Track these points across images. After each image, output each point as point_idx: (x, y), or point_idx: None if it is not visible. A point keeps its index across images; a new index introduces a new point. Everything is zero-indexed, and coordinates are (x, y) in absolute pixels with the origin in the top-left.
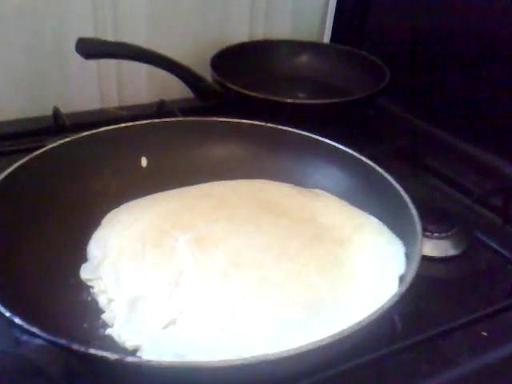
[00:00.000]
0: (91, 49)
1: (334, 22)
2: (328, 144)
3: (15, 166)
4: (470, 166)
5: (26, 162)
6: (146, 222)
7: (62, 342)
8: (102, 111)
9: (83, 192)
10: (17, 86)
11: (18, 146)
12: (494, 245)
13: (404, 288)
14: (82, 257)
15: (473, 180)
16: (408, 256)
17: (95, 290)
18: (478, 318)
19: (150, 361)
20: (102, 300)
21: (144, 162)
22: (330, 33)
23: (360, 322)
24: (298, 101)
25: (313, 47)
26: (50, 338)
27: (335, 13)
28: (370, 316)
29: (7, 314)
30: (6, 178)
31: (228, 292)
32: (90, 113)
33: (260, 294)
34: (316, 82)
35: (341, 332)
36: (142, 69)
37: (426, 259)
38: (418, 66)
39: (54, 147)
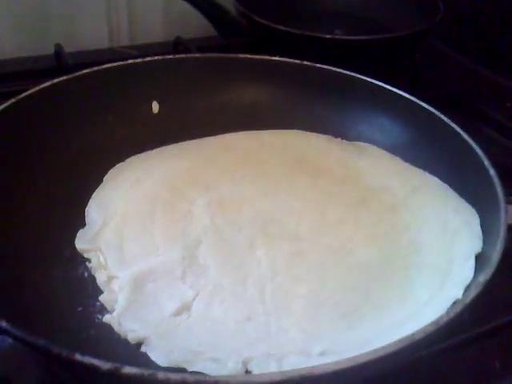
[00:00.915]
0: None
1: None
2: (376, 85)
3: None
4: None
5: (11, 105)
6: (157, 180)
7: (40, 342)
8: (110, 50)
9: (82, 142)
10: (15, 21)
11: (16, 87)
12: None
13: (489, 274)
14: (78, 221)
15: None
16: (485, 229)
17: (93, 265)
18: None
19: (153, 373)
20: (100, 277)
21: (155, 107)
22: None
23: (436, 322)
24: (337, 36)
25: None
26: (23, 336)
27: None
28: (443, 316)
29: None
30: None
31: (255, 270)
32: (97, 52)
33: (294, 274)
34: (355, 17)
35: (410, 336)
36: (157, 1)
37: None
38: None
39: (46, 86)
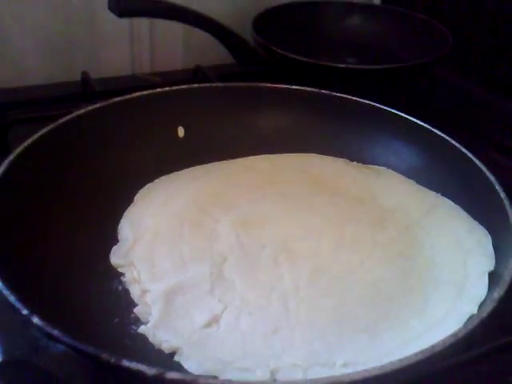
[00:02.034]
0: (125, 6)
1: None
2: (390, 113)
3: (38, 134)
4: None
5: (50, 131)
6: (184, 200)
7: (90, 350)
8: (133, 77)
9: (114, 165)
10: (43, 49)
11: (44, 112)
12: None
13: (503, 290)
14: (112, 238)
15: None
16: (496, 248)
17: (127, 279)
18: None
19: (196, 379)
20: (134, 291)
21: (181, 131)
22: None
23: (455, 334)
24: (349, 65)
25: (363, 8)
26: (75, 343)
27: None
28: (462, 329)
29: (24, 312)
30: (27, 147)
31: (279, 285)
32: (121, 79)
33: (316, 289)
34: (366, 47)
35: (431, 348)
36: (178, 31)
37: None
38: (481, 28)
39: (81, 114)
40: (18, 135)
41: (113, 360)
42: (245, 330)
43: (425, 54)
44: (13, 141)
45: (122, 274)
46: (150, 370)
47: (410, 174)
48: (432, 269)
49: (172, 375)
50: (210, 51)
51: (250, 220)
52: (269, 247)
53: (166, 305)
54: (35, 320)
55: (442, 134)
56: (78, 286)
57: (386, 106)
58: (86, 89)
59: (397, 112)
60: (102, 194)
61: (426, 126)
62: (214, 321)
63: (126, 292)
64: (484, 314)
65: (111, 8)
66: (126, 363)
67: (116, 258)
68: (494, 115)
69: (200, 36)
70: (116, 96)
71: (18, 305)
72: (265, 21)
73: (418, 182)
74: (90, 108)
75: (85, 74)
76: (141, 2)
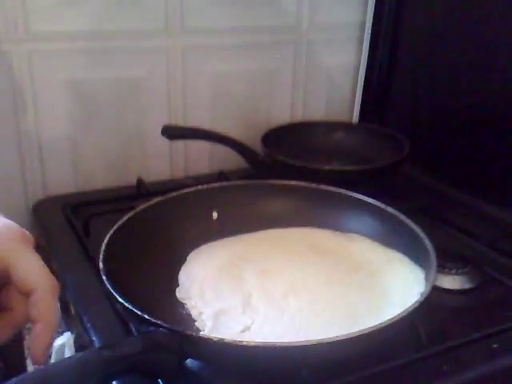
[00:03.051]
0: (173, 133)
1: (361, 105)
2: (361, 199)
3: (124, 218)
4: (482, 219)
5: (130, 217)
6: (220, 258)
7: (179, 329)
8: (171, 180)
9: (172, 238)
10: (106, 162)
11: (112, 207)
12: (504, 279)
13: (423, 298)
14: (175, 283)
15: (484, 230)
16: (426, 279)
17: (188, 306)
18: (490, 334)
19: (241, 341)
20: (194, 313)
21: (215, 215)
22: (359, 114)
23: (392, 319)
24: (334, 168)
25: (344, 126)
26: (171, 327)
27: (362, 97)
28: (397, 315)
29: (147, 317)
30: (117, 229)
31: (288, 308)
32: (162, 182)
33: (314, 309)
34: (348, 154)
35: (373, 327)
36: (205, 145)
37: (446, 291)
38: (435, 138)
39: (148, 206)
40: (96, 223)
41: (194, 334)
42: (266, 333)
43: (390, 158)
44: (92, 228)
45: (184, 304)
46: (215, 338)
47: (374, 238)
48: (388, 295)
49: (228, 340)
50: (230, 160)
51: (266, 270)
52: (280, 286)
53: (215, 321)
54: (147, 316)
55: (396, 212)
56: (158, 310)
57: (360, 194)
58: (140, 190)
59: (364, 197)
60: (167, 256)
61: (386, 207)
62: (247, 329)
63: (188, 314)
64: (409, 310)
65: (164, 133)
66: (202, 335)
67: (179, 294)
68: (446, 201)
69: (222, 149)
70: (163, 194)
71: (142, 314)
72: (270, 137)
73: (380, 243)
74: (154, 201)
75: (139, 179)
76: (183, 129)
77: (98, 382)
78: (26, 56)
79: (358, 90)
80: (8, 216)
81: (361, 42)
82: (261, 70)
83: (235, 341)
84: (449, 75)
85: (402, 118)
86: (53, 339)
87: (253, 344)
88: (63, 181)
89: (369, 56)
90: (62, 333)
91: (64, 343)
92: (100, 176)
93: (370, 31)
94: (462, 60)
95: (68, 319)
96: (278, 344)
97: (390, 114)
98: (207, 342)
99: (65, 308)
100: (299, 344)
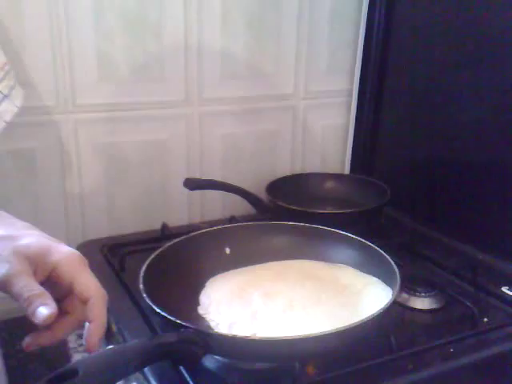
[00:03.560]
0: (193, 184)
1: (351, 159)
2: (346, 235)
3: (154, 254)
4: (449, 253)
5: (161, 252)
6: (232, 284)
7: (202, 328)
8: (188, 225)
9: (193, 269)
10: (135, 210)
11: (142, 248)
12: (465, 301)
13: (387, 305)
14: (197, 303)
15: (450, 262)
16: (392, 293)
17: (208, 319)
18: (449, 341)
19: (248, 336)
20: (212, 324)
21: (227, 250)
22: (349, 166)
23: (363, 319)
24: (326, 211)
25: (336, 177)
26: (197, 327)
27: (351, 152)
28: (368, 316)
29: (179, 322)
30: (151, 261)
31: (287, 320)
32: (181, 226)
33: (307, 320)
34: (339, 199)
35: (349, 325)
36: (218, 195)
37: (417, 311)
38: (412, 185)
39: (174, 242)
40: (128, 261)
41: (212, 332)
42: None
43: (374, 203)
44: (126, 264)
45: (205, 317)
46: (229, 334)
47: (357, 266)
48: (366, 309)
49: (240, 336)
50: (239, 206)
51: (269, 293)
52: (280, 305)
53: (229, 330)
54: (173, 318)
55: (374, 246)
56: (185, 320)
57: (345, 232)
58: (164, 232)
59: (348, 234)
60: (190, 282)
61: (363, 241)
62: (253, 335)
63: (208, 325)
64: (377, 313)
65: (185, 185)
66: (220, 332)
67: (201, 311)
68: (421, 239)
69: (233, 197)
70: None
71: (171, 319)
72: (273, 186)
73: (360, 270)
74: (178, 239)
75: (164, 223)
76: (200, 181)
77: (142, 362)
78: (72, 125)
79: (348, 146)
80: None
81: (349, 106)
82: (265, 131)
83: (244, 336)
84: (425, 132)
85: (386, 168)
86: (103, 334)
87: (258, 338)
88: (99, 227)
89: (356, 117)
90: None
91: None
92: (129, 222)
93: (356, 96)
94: (436, 117)
95: (110, 336)
96: (277, 338)
97: (376, 165)
98: (224, 337)
99: (108, 327)
100: (292, 337)
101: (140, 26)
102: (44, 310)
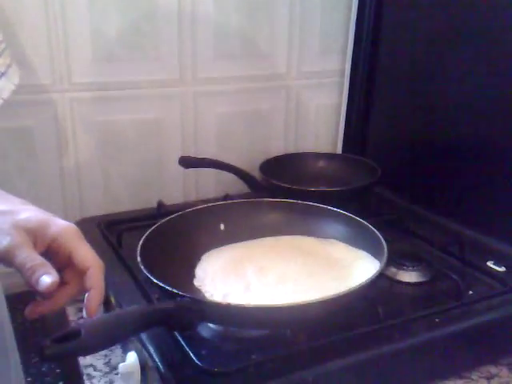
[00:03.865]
0: (188, 162)
1: (343, 138)
2: (336, 211)
3: (151, 229)
4: (437, 229)
5: (158, 227)
6: (227, 258)
7: (198, 297)
8: (185, 203)
9: (189, 243)
10: (131, 188)
11: (138, 224)
12: (452, 274)
13: (374, 276)
14: (193, 275)
15: (438, 237)
16: (380, 266)
17: (203, 291)
18: (434, 312)
19: (241, 304)
20: (207, 295)
21: (222, 226)
22: (341, 146)
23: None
24: (318, 189)
25: (328, 156)
26: (193, 296)
27: (344, 131)
28: (356, 285)
29: (176, 291)
30: (148, 235)
31: (278, 291)
32: (177, 205)
33: (297, 291)
34: (331, 178)
35: (337, 293)
36: (212, 173)
37: (404, 284)
38: (402, 164)
39: (170, 218)
40: (126, 237)
41: (208, 300)
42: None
43: (364, 181)
44: (123, 241)
45: (200, 289)
46: (223, 302)
47: (347, 241)
48: (353, 279)
49: (234, 304)
50: (233, 184)
51: (262, 267)
52: (272, 278)
53: (224, 299)
54: (175, 290)
55: (363, 221)
56: (181, 291)
57: (336, 208)
58: (160, 210)
59: (339, 210)
60: (186, 256)
61: (356, 217)
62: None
63: (204, 295)
64: (365, 282)
65: (180, 163)
66: (216, 300)
67: (196, 282)
68: (408, 214)
69: (227, 175)
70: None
71: (168, 288)
72: (267, 165)
73: (351, 245)
74: (174, 216)
75: (160, 201)
76: (195, 159)
77: (141, 326)
78: (68, 103)
79: (340, 126)
80: None
81: (342, 86)
82: (258, 111)
83: (238, 304)
84: (415, 113)
85: (377, 148)
86: (101, 301)
87: (250, 306)
88: (96, 204)
89: (348, 97)
90: None
91: None
92: (125, 199)
93: (349, 76)
94: (428, 97)
95: (109, 308)
96: (267, 305)
97: (368, 145)
98: (219, 305)
99: (106, 299)
100: (282, 305)
101: (134, 5)
102: (47, 279)
